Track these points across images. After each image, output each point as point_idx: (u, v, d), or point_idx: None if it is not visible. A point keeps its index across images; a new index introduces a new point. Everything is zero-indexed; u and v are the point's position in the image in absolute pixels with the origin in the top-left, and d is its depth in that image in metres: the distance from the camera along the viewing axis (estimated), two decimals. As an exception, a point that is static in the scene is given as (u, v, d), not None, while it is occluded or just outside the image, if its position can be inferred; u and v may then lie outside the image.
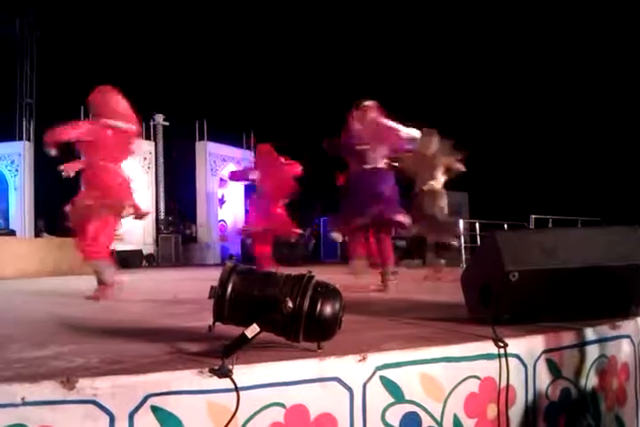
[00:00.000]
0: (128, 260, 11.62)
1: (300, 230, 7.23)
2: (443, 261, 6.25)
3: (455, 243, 6.44)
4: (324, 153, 5.85)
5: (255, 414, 1.71)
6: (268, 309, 1.84)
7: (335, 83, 13.51)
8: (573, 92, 12.04)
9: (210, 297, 1.90)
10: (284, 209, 6.93)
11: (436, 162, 6.16)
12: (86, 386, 1.57)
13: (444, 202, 6.20)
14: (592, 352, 2.35)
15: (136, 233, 13.48)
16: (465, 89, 12.81)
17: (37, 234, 12.60)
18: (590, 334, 2.35)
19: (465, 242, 10.36)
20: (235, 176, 8.20)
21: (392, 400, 1.89)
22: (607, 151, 11.93)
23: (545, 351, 2.21)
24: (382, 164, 4.98)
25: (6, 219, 12.78)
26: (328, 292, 1.93)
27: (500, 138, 12.81)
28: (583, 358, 2.32)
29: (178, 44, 13.47)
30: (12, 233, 10.36)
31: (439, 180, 6.19)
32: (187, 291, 5.36)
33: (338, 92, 13.31)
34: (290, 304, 1.84)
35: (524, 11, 12.57)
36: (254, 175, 7.05)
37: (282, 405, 1.75)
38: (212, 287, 1.90)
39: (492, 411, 2.06)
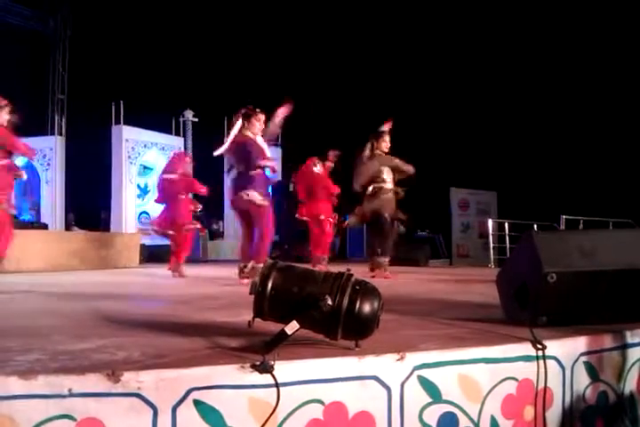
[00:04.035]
0: (156, 255, 11.73)
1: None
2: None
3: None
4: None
5: (295, 410, 1.73)
6: (308, 306, 1.85)
7: (358, 85, 13.49)
8: (606, 93, 11.86)
9: (250, 293, 1.91)
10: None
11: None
12: (131, 379, 1.60)
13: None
14: (631, 355, 2.32)
15: (164, 228, 13.59)
16: (495, 89, 12.70)
17: (67, 227, 12.80)
18: (629, 337, 2.33)
19: (493, 242, 10.29)
20: None
21: (430, 400, 1.89)
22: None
23: (583, 354, 2.19)
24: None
25: (38, 212, 13.00)
26: (367, 290, 1.93)
27: (530, 137, 12.67)
28: (621, 361, 2.30)
29: (208, 41, 13.54)
30: (45, 226, 10.53)
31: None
32: (213, 286, 5.41)
33: (364, 95, 13.30)
34: (329, 302, 1.84)
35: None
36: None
37: (321, 402, 1.76)
38: (252, 283, 1.92)
39: (529, 413, 2.05)
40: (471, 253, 13.89)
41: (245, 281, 5.14)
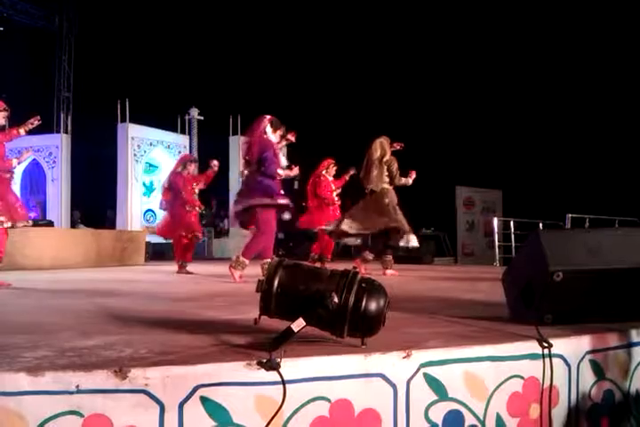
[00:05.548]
0: (162, 253, 11.77)
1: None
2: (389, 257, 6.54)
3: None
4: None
5: (301, 407, 1.73)
6: (314, 303, 1.85)
7: (363, 82, 13.47)
8: (613, 93, 11.83)
9: (257, 291, 1.92)
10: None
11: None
12: (138, 376, 1.61)
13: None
14: (637, 354, 2.32)
15: (170, 226, 13.61)
16: (501, 88, 12.67)
17: (73, 225, 12.84)
18: (635, 335, 2.32)
19: (498, 241, 10.27)
20: None
21: (435, 398, 1.89)
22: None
23: (589, 352, 2.19)
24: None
25: (44, 210, 13.04)
26: (373, 288, 1.93)
27: (535, 135, 12.65)
28: (628, 359, 2.30)
29: (213, 39, 13.56)
30: (51, 224, 10.55)
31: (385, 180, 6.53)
32: (219, 284, 5.42)
33: (369, 92, 13.29)
34: (335, 299, 1.85)
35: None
36: None
37: (327, 399, 1.76)
38: (259, 281, 1.92)
39: (534, 411, 2.05)
40: (476, 251, 13.88)
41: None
